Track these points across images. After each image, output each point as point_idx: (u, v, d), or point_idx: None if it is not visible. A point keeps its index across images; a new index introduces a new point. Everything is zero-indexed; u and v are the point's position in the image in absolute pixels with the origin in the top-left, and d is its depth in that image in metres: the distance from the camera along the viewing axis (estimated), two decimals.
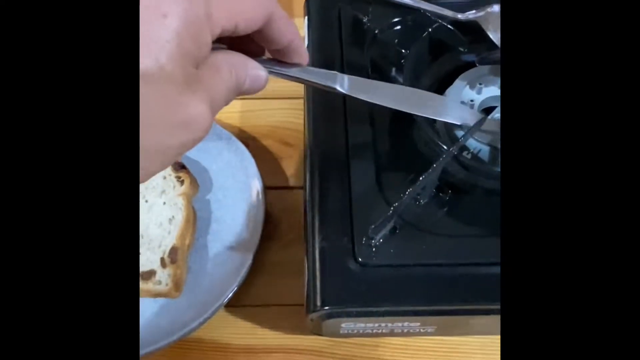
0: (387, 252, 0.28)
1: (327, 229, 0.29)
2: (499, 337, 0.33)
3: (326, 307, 0.27)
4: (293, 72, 0.27)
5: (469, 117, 0.29)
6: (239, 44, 0.24)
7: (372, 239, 0.27)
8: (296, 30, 0.26)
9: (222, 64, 0.22)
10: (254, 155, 0.39)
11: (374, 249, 0.28)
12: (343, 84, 0.27)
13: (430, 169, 0.27)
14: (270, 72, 0.27)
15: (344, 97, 0.33)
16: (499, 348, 0.33)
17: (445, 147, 0.29)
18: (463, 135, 0.28)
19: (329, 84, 0.27)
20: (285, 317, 0.35)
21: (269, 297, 0.36)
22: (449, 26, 0.34)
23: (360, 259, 0.27)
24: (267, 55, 0.27)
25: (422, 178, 0.27)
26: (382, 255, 0.27)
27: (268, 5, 0.24)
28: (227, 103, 0.23)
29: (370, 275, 0.27)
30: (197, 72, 0.20)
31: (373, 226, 0.26)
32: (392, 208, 0.26)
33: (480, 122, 0.28)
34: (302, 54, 0.27)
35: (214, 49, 0.21)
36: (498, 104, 0.33)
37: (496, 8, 0.31)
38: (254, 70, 0.24)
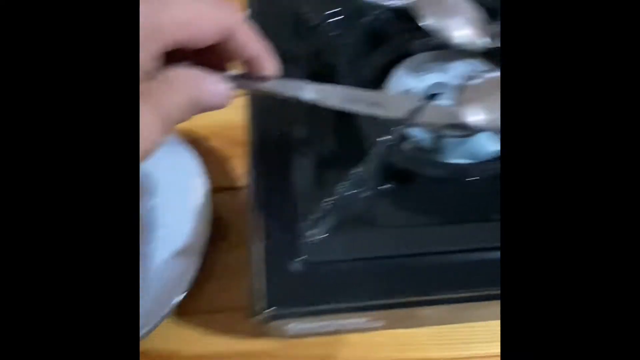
0: (331, 247, 0.27)
1: (270, 227, 0.28)
2: (451, 326, 0.33)
3: (270, 309, 0.26)
4: (257, 85, 0.27)
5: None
6: (206, 58, 0.24)
7: (312, 235, 0.26)
8: (262, 44, 0.26)
9: (176, 78, 0.22)
10: (203, 156, 0.38)
11: (317, 246, 0.27)
12: (308, 92, 0.28)
13: (363, 161, 0.26)
14: (236, 86, 0.27)
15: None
16: (453, 337, 0.33)
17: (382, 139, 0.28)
18: (396, 127, 0.27)
19: (294, 93, 0.28)
20: (238, 321, 0.34)
21: (222, 302, 0.35)
22: (386, 15, 0.33)
23: (303, 258, 0.27)
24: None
25: (355, 172, 0.26)
26: (326, 251, 0.27)
27: (226, 18, 0.23)
28: (184, 118, 0.23)
29: (314, 273, 0.26)
30: (145, 84, 0.20)
31: (309, 222, 0.25)
32: (323, 203, 0.25)
33: (414, 112, 0.28)
34: (269, 69, 0.27)
35: (174, 63, 0.22)
36: (440, 90, 0.33)
37: None
38: (212, 85, 0.23)
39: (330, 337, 0.33)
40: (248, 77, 0.27)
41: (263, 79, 0.27)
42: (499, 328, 0.33)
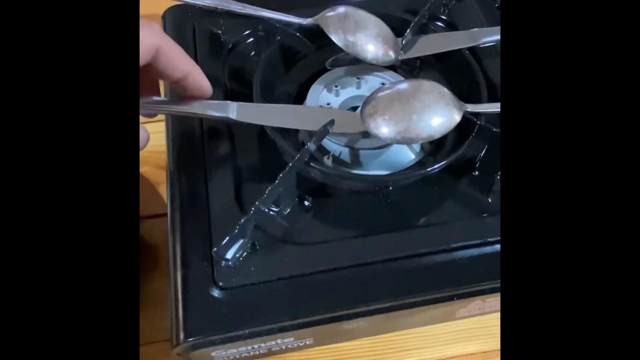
0: (247, 271, 0.26)
1: (187, 254, 0.28)
2: (385, 335, 0.33)
3: (189, 339, 0.25)
4: (182, 109, 0.28)
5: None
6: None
7: (227, 259, 0.26)
8: (191, 63, 0.26)
9: None
10: None
11: (233, 270, 0.26)
12: (234, 112, 0.28)
13: (277, 180, 0.26)
14: (159, 111, 0.28)
15: (201, 119, 0.32)
16: (387, 346, 0.33)
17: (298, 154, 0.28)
18: (309, 143, 0.27)
19: (221, 114, 0.28)
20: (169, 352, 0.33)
21: (155, 333, 0.34)
22: (297, 33, 0.33)
23: (220, 283, 0.26)
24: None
25: (269, 190, 0.26)
26: (243, 275, 0.26)
27: (152, 37, 0.23)
28: None
29: (232, 298, 0.26)
30: None
31: (221, 245, 0.25)
32: (238, 224, 0.25)
33: (325, 128, 0.28)
34: (201, 88, 0.27)
35: None
36: (357, 103, 0.33)
37: (332, 12, 0.31)
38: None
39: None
40: (176, 100, 0.27)
41: (194, 98, 0.27)
42: (430, 333, 0.34)
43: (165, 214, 0.39)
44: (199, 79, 0.27)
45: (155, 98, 0.29)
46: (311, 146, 0.27)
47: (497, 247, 0.28)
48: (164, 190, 0.40)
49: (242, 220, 0.25)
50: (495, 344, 0.33)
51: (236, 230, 0.25)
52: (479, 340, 0.33)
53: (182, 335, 0.25)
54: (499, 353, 0.32)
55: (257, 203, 0.26)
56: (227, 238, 0.25)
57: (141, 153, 0.42)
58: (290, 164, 0.27)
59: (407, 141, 0.28)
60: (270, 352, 0.28)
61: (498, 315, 0.32)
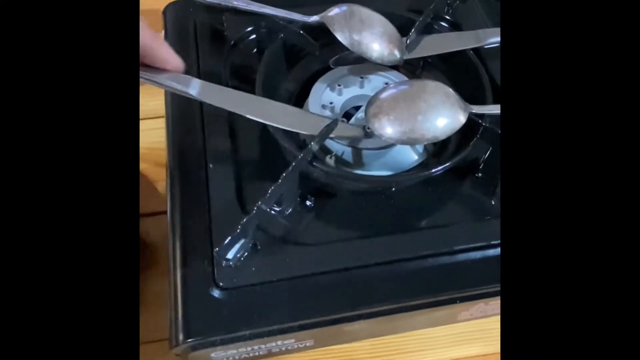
0: (248, 271, 0.26)
1: (187, 254, 0.27)
2: (385, 337, 0.33)
3: (189, 340, 0.25)
4: (148, 76, 0.27)
5: (321, 126, 0.29)
6: None
7: (228, 259, 0.25)
8: (155, 36, 0.25)
9: None
10: None
11: (234, 271, 0.26)
12: (196, 88, 0.28)
13: (280, 179, 0.26)
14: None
15: (202, 116, 0.32)
16: (387, 348, 0.33)
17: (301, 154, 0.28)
18: (311, 143, 0.27)
19: (182, 88, 0.28)
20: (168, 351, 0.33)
21: (153, 332, 0.34)
22: (300, 31, 0.33)
23: (221, 283, 0.26)
24: None
25: (272, 190, 0.26)
26: (244, 275, 0.26)
27: (142, 36, 0.24)
28: None
29: (233, 299, 0.26)
30: None
31: (222, 245, 0.25)
32: (240, 224, 0.25)
33: (328, 128, 0.28)
34: (164, 62, 0.27)
35: None
36: (360, 103, 0.33)
37: (337, 9, 0.31)
38: None
39: None
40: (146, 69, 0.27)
41: (165, 72, 0.27)
42: (432, 335, 0.34)
43: (164, 212, 0.38)
44: (161, 52, 0.27)
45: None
46: (314, 146, 0.27)
47: (500, 250, 0.28)
48: (163, 188, 0.40)
49: (244, 220, 0.25)
50: (496, 347, 0.33)
51: (238, 231, 0.25)
52: (480, 343, 0.33)
53: (181, 336, 0.25)
54: (499, 356, 0.32)
55: (259, 203, 0.26)
56: (229, 238, 0.25)
57: (140, 150, 0.42)
58: (294, 164, 0.26)
59: (411, 142, 0.28)
60: (271, 354, 0.28)
61: (498, 318, 0.32)
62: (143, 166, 0.40)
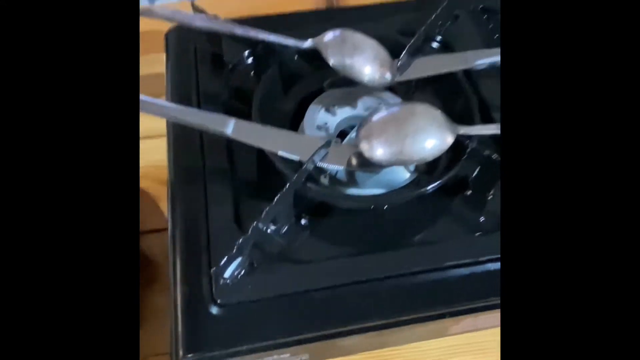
0: (245, 288, 0.27)
1: (187, 271, 0.29)
2: (379, 351, 0.34)
3: (189, 355, 0.26)
4: (181, 117, 0.29)
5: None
6: None
7: (225, 278, 0.27)
8: None
9: None
10: None
11: (231, 288, 0.27)
12: (231, 128, 0.30)
13: (275, 199, 0.27)
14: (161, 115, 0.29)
15: (201, 138, 0.33)
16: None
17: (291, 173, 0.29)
18: (307, 163, 0.28)
19: (218, 128, 0.30)
20: None
21: (154, 346, 0.35)
22: (295, 55, 0.34)
23: (219, 300, 0.27)
24: None
25: (267, 209, 0.27)
26: (240, 292, 0.27)
27: None
28: None
29: (230, 315, 0.27)
30: None
31: (220, 264, 0.26)
32: (236, 244, 0.26)
33: (322, 148, 0.29)
34: None
35: None
36: (354, 123, 0.34)
37: (330, 35, 0.32)
38: None
39: None
40: (177, 107, 0.29)
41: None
42: (423, 348, 0.34)
43: (166, 229, 0.40)
44: None
45: (158, 101, 0.30)
46: (309, 166, 0.28)
47: (489, 265, 0.29)
48: (164, 205, 0.41)
49: (241, 240, 0.26)
50: (488, 358, 0.33)
51: (234, 250, 0.26)
52: (471, 355, 0.34)
53: (181, 352, 0.26)
54: None
55: (255, 223, 0.27)
56: (226, 258, 0.26)
57: (142, 168, 0.43)
58: (289, 184, 0.28)
59: (400, 163, 0.29)
60: None
61: (490, 331, 0.33)
62: (146, 184, 0.42)
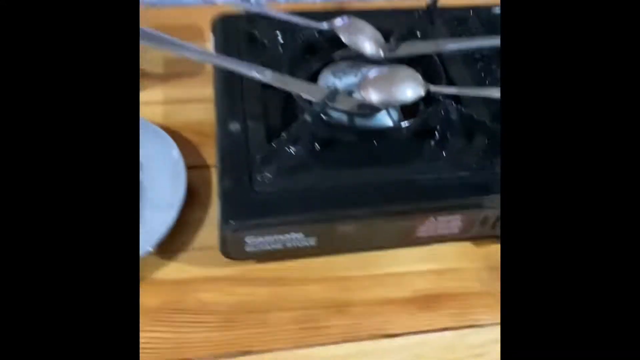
0: (273, 183, 0.39)
1: (231, 171, 0.40)
2: (362, 254, 0.45)
3: (231, 222, 0.37)
4: (226, 64, 0.41)
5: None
6: None
7: (262, 174, 0.38)
8: None
9: None
10: (178, 142, 0.49)
11: (264, 183, 0.39)
12: (264, 76, 0.42)
13: (297, 122, 0.39)
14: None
15: (242, 87, 0.45)
16: (373, 262, 0.44)
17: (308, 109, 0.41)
18: (320, 101, 0.40)
19: (254, 74, 0.41)
20: (207, 256, 0.43)
21: (194, 242, 0.45)
22: (315, 34, 0.47)
23: (255, 188, 0.38)
24: None
25: (289, 130, 0.39)
26: (270, 185, 0.39)
27: None
28: None
29: (263, 200, 0.38)
30: None
31: (256, 165, 0.38)
32: (270, 149, 0.38)
33: (332, 92, 0.41)
34: None
35: None
36: (354, 86, 0.46)
37: (341, 20, 0.45)
38: None
39: (278, 265, 0.43)
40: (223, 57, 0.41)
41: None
42: (398, 255, 0.45)
43: (202, 166, 0.51)
44: None
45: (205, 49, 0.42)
46: (321, 103, 0.40)
47: (444, 180, 0.41)
48: (202, 150, 0.52)
49: (274, 147, 0.38)
50: (446, 264, 0.44)
51: (266, 155, 0.38)
52: (435, 261, 0.44)
53: (226, 219, 0.37)
54: (447, 271, 0.43)
55: (281, 135, 0.39)
56: (259, 159, 0.38)
57: (184, 122, 0.55)
58: (306, 113, 0.40)
59: (388, 105, 0.41)
60: (285, 248, 0.40)
61: (448, 244, 0.44)
62: (187, 134, 0.53)
